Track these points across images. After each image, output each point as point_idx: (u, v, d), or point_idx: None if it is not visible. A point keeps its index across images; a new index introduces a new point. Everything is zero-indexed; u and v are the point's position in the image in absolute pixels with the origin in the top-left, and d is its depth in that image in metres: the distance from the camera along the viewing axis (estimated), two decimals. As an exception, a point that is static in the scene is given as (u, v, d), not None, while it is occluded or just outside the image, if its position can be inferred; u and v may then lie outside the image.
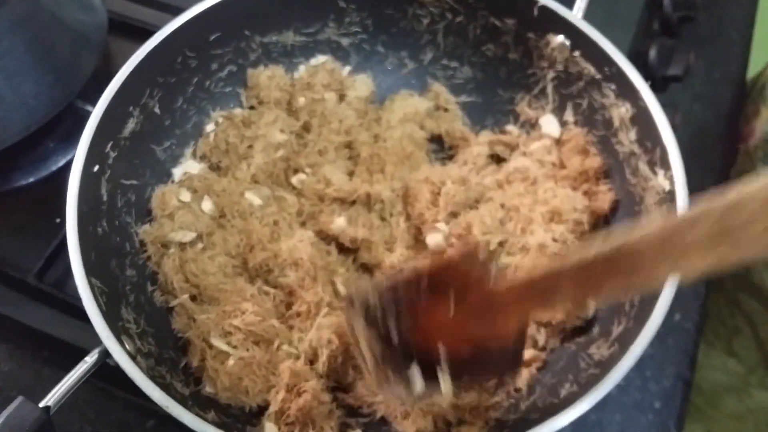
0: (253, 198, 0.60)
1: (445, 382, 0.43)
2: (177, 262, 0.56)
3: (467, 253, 0.44)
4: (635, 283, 0.37)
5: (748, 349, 0.81)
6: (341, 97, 0.67)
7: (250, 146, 0.62)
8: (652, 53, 0.76)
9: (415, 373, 0.43)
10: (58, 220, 0.64)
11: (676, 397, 0.60)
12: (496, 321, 0.43)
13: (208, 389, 0.52)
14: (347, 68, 0.68)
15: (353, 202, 0.61)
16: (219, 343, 0.52)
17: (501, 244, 0.57)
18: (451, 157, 0.66)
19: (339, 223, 0.58)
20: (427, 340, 0.43)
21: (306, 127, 0.65)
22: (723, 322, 0.82)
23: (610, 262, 0.36)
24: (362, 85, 0.67)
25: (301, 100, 0.65)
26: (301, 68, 0.67)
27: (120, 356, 0.44)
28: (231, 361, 0.51)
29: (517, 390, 0.53)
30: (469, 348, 0.43)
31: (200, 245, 0.58)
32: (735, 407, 0.84)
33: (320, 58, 0.67)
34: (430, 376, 0.43)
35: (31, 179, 0.68)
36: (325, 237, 0.59)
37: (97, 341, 0.46)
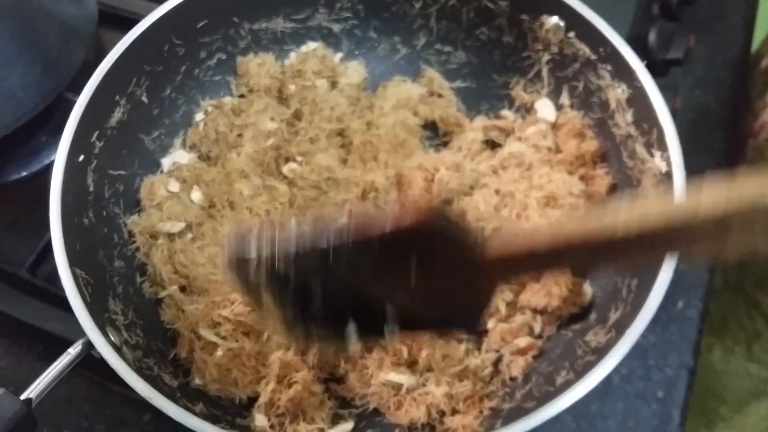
0: (243, 187, 0.59)
1: (390, 334, 0.38)
2: (166, 253, 0.55)
3: (437, 213, 0.36)
4: (636, 259, 0.36)
5: None
6: (333, 84, 0.65)
7: (240, 135, 0.62)
8: (652, 36, 0.75)
9: (351, 332, 0.38)
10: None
11: (679, 386, 0.59)
12: (470, 289, 0.38)
13: (197, 381, 0.51)
14: (339, 55, 0.67)
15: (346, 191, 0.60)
16: (207, 334, 0.51)
17: (495, 230, 0.56)
18: (445, 144, 0.64)
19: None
20: (372, 300, 0.37)
21: (297, 115, 0.64)
22: (742, 326, 0.80)
23: (616, 238, 0.34)
24: (354, 71, 0.66)
25: (292, 88, 0.64)
26: (292, 55, 0.66)
27: (103, 347, 0.44)
28: (219, 352, 0.51)
29: (513, 378, 0.51)
30: (426, 307, 0.38)
31: (189, 235, 0.57)
32: (764, 411, 0.82)
33: (311, 45, 0.66)
34: (371, 327, 0.38)
35: (24, 173, 0.68)
36: None
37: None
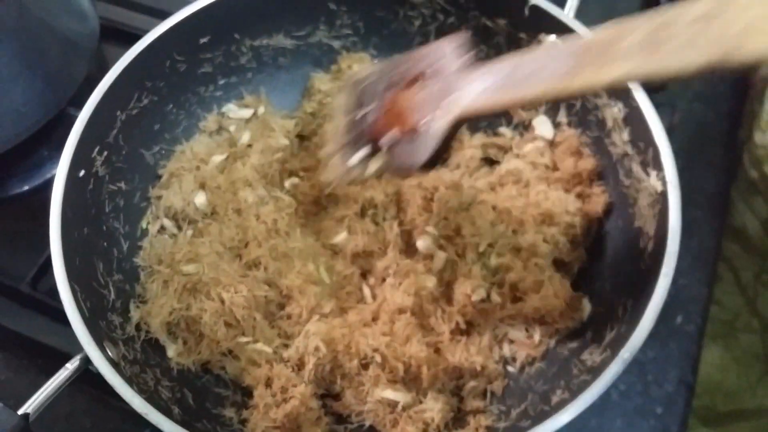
0: (248, 196, 0.59)
1: (375, 163, 0.49)
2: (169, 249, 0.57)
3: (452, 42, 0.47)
4: (581, 81, 0.39)
5: (731, 295, 0.80)
6: None
7: (250, 146, 0.62)
8: (650, 50, 0.75)
9: (361, 153, 0.50)
10: (51, 228, 0.64)
11: (678, 402, 0.59)
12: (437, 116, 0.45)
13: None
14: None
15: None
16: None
17: (491, 245, 0.56)
18: (444, 161, 0.65)
19: (340, 238, 0.58)
20: (384, 127, 0.48)
21: (313, 132, 0.65)
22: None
23: (571, 56, 0.39)
24: None
25: (313, 105, 0.65)
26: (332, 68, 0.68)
27: (100, 363, 0.44)
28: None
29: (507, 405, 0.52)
30: (409, 130, 0.46)
31: (190, 232, 0.58)
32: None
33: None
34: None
35: (26, 187, 0.68)
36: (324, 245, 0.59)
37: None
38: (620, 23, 0.38)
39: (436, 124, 0.44)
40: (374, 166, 0.48)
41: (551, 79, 0.39)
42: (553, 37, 0.58)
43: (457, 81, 0.44)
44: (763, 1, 0.33)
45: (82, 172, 0.53)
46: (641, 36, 0.36)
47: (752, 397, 0.79)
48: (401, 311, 0.52)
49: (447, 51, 0.47)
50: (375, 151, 0.49)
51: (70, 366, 0.45)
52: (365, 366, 0.51)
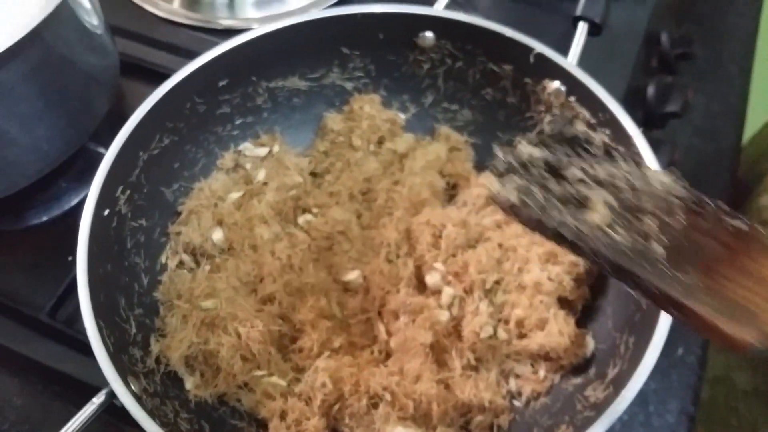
0: (263, 232, 0.61)
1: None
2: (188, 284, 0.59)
3: None
4: None
5: None
6: (378, 143, 0.68)
7: (266, 183, 0.64)
8: (651, 90, 0.77)
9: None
10: (70, 258, 0.65)
11: (680, 432, 0.60)
12: None
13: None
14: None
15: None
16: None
17: (497, 282, 0.58)
18: (452, 197, 0.67)
19: (353, 276, 0.60)
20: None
21: (326, 170, 0.67)
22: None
23: None
24: (402, 140, 0.68)
25: (327, 144, 0.68)
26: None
27: (126, 398, 0.46)
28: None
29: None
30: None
31: (207, 267, 0.60)
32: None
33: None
34: None
35: (44, 218, 0.70)
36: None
37: (105, 379, 0.47)
38: None
39: None
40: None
41: None
42: (557, 83, 0.61)
43: None
44: None
45: (106, 211, 0.55)
46: None
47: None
48: (423, 346, 0.54)
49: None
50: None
51: (96, 401, 0.47)
52: (374, 405, 0.53)
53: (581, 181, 0.39)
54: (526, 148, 0.41)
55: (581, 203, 0.39)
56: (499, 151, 0.41)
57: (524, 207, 0.39)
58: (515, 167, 0.40)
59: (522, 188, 0.39)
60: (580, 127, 0.42)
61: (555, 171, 0.40)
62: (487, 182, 0.41)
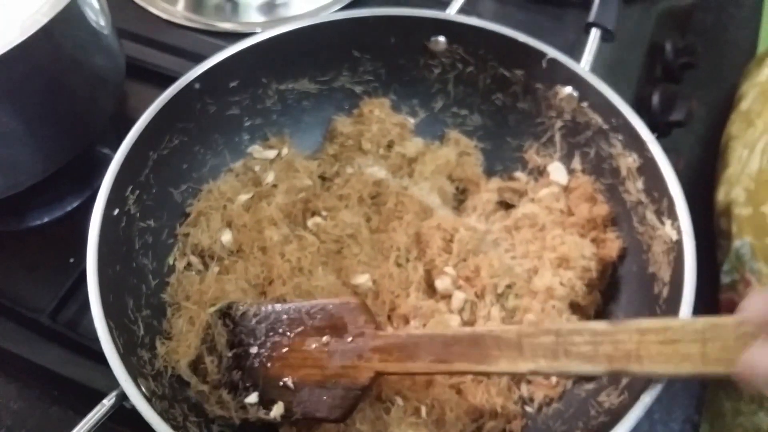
0: (273, 234, 0.61)
1: (277, 410, 0.51)
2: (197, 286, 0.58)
3: (355, 306, 0.51)
4: (478, 368, 0.47)
5: None
6: (387, 147, 0.68)
7: (274, 186, 0.64)
8: (655, 99, 0.78)
9: (252, 399, 0.52)
10: (72, 260, 0.65)
11: (684, 441, 0.60)
12: (356, 367, 0.49)
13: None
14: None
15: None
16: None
17: (509, 286, 0.58)
18: (461, 202, 0.67)
19: (362, 279, 0.59)
20: (280, 371, 0.51)
21: (335, 174, 0.66)
22: None
23: (462, 343, 0.46)
24: (412, 144, 0.68)
25: (336, 148, 0.67)
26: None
27: (137, 399, 0.45)
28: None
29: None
30: (315, 382, 0.50)
31: (216, 269, 0.60)
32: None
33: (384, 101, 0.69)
34: (267, 400, 0.51)
35: (46, 219, 0.69)
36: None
37: (110, 383, 0.46)
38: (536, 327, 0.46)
39: (361, 375, 0.49)
40: (278, 411, 0.51)
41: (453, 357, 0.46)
42: (569, 88, 0.61)
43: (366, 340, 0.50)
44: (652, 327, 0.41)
45: (116, 211, 0.54)
46: (549, 341, 0.44)
47: None
48: None
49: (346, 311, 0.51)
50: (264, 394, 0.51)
51: (107, 403, 0.46)
52: (386, 410, 0.53)
53: None
54: None
55: None
56: None
57: None
58: None
59: None
60: None
61: None
62: None
